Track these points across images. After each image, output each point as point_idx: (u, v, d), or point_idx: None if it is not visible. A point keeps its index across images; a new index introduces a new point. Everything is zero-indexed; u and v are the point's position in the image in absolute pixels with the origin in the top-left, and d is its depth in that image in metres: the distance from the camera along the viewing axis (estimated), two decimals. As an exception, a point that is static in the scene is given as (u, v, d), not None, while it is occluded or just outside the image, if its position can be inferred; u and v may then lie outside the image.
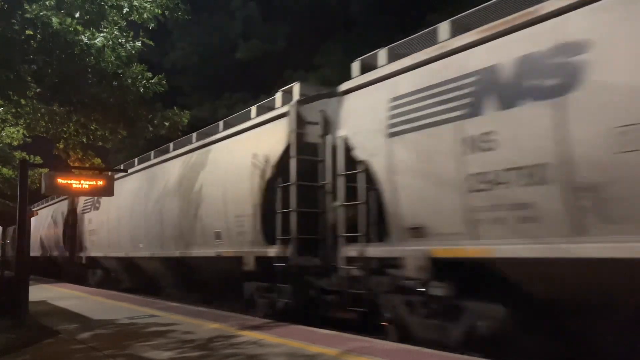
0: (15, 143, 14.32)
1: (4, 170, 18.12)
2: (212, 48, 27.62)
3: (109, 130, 9.52)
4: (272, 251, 8.30)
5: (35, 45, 7.02)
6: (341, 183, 7.13)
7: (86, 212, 17.19)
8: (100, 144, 10.18)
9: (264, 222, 8.57)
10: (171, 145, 12.75)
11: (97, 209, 16.08)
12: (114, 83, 8.07)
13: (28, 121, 9.87)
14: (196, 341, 6.46)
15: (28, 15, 6.73)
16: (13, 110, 9.34)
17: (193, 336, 6.81)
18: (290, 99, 8.62)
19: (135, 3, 7.79)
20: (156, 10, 7.97)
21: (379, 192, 6.44)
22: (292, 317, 7.94)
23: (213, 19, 27.33)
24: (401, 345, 5.85)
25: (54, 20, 7.06)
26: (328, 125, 7.80)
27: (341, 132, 7.13)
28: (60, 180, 9.05)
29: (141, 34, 8.50)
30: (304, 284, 8.04)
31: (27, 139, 13.72)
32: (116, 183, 13.94)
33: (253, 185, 8.81)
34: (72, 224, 18.46)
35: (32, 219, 22.23)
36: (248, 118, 9.82)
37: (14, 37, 6.67)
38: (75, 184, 9.24)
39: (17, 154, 16.83)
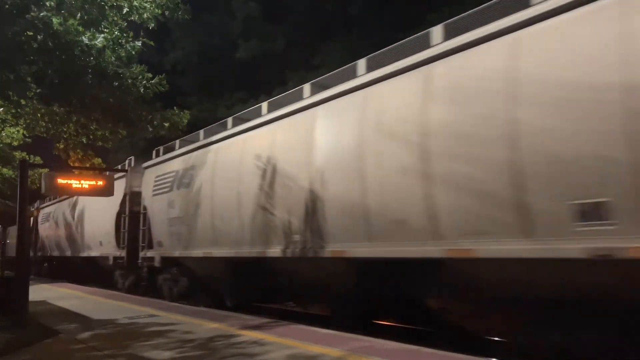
0: (15, 143, 14.35)
1: (4, 170, 18.16)
2: (212, 48, 27.66)
3: (109, 130, 9.54)
4: None
5: (35, 46, 7.03)
6: None
7: (161, 193, 11.79)
8: (100, 144, 10.20)
9: None
10: (360, 63, 7.35)
11: (187, 186, 10.74)
12: (114, 83, 8.08)
13: (28, 121, 9.89)
14: (196, 341, 6.46)
15: (28, 17, 6.74)
16: (13, 111, 9.37)
17: (193, 336, 6.81)
18: None
19: (135, 3, 7.80)
20: (156, 10, 7.99)
21: None
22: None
23: (213, 19, 27.37)
24: (402, 345, 5.85)
25: (55, 20, 7.06)
26: None
27: None
28: (60, 180, 9.06)
29: (141, 34, 8.52)
30: None
31: (27, 139, 13.77)
32: (231, 143, 9.78)
33: None
34: (131, 212, 13.31)
35: (59, 209, 19.83)
36: None
37: (14, 38, 6.68)
38: (75, 184, 9.25)
39: (17, 154, 16.86)
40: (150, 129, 9.39)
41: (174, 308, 9.98)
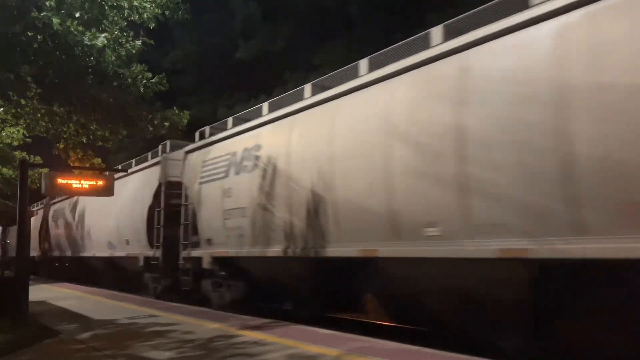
0: (15, 143, 14.34)
1: (4, 170, 18.13)
2: (212, 48, 27.67)
3: (109, 130, 9.54)
4: None
5: (35, 46, 7.02)
6: None
7: (212, 180, 9.88)
8: (100, 144, 10.19)
9: None
10: None
11: (250, 169, 8.81)
12: (114, 83, 8.07)
13: (28, 121, 9.90)
14: (196, 341, 6.46)
15: (28, 17, 6.73)
16: (13, 111, 9.37)
17: (193, 336, 6.81)
18: None
19: (135, 3, 7.79)
20: (156, 10, 7.98)
21: None
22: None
23: (213, 18, 27.38)
24: (402, 345, 5.85)
25: (55, 21, 7.06)
26: None
27: None
28: (60, 180, 9.07)
29: (141, 33, 8.52)
30: None
31: (27, 139, 13.74)
32: (314, 114, 7.89)
33: None
34: (167, 205, 11.52)
35: (75, 205, 17.94)
36: None
37: (14, 38, 6.68)
38: (75, 184, 9.26)
39: (17, 154, 16.85)
40: (151, 129, 9.39)
41: (174, 308, 9.97)
